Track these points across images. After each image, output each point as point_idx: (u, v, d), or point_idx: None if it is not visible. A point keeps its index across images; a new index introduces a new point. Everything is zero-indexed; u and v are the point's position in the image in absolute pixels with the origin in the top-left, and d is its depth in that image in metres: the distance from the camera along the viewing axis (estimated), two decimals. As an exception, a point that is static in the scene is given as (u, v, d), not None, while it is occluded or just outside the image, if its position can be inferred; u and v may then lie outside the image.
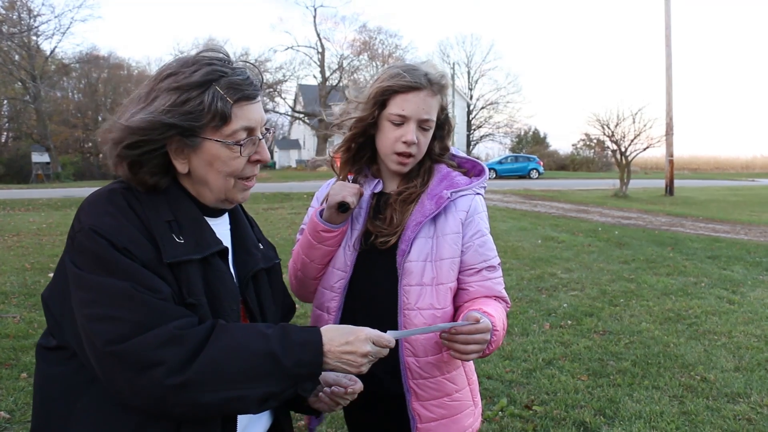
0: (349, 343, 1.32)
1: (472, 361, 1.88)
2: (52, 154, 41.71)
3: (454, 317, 1.79)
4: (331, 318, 1.83)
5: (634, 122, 23.18)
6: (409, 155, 1.78)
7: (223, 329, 1.26)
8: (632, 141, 23.39)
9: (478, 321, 1.57)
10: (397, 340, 1.63)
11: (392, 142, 1.78)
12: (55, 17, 38.86)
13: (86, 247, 1.24)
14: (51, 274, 7.59)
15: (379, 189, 1.86)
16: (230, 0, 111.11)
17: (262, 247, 1.60)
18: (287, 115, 56.12)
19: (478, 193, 1.85)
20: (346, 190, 1.77)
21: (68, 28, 41.80)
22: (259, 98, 1.41)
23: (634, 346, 5.22)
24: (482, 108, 57.26)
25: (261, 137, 1.42)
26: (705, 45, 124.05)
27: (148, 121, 1.29)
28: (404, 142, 1.76)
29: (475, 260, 1.80)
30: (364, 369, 1.36)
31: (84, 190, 24.06)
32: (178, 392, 1.18)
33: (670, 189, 24.04)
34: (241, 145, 1.37)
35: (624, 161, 23.59)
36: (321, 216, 1.82)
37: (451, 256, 1.77)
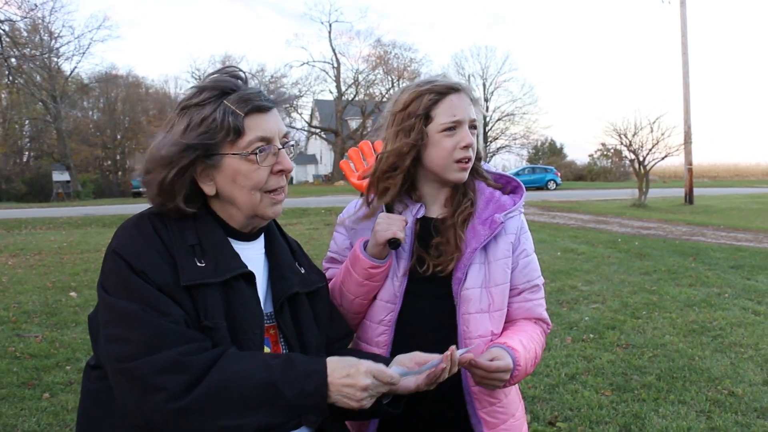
0: (349, 376, 1.28)
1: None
2: (72, 172, 42.25)
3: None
4: (382, 352, 1.76)
5: (651, 131, 23.05)
6: (469, 159, 1.73)
7: (229, 358, 1.26)
8: (650, 150, 23.23)
9: (498, 358, 1.55)
10: (458, 371, 1.58)
11: (450, 152, 1.70)
12: (75, 38, 39.34)
13: (109, 268, 1.31)
14: (72, 293, 7.70)
15: (421, 214, 1.79)
16: (246, 17, 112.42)
17: (303, 271, 1.58)
18: (304, 130, 56.44)
19: (521, 212, 1.81)
20: (395, 225, 1.69)
21: (87, 48, 42.25)
22: (274, 110, 1.42)
23: (658, 360, 5.15)
24: (498, 120, 57.14)
25: (281, 147, 1.42)
26: (722, 51, 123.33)
27: (172, 147, 1.34)
28: (464, 147, 1.70)
29: (519, 281, 1.76)
30: (366, 404, 1.31)
31: (104, 209, 24.32)
32: (177, 418, 1.20)
33: (689, 198, 23.80)
34: (257, 154, 1.37)
35: (642, 170, 23.41)
36: (365, 250, 1.73)
37: (504, 281, 1.72)
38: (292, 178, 55.63)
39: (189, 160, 1.35)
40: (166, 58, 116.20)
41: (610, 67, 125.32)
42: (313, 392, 1.26)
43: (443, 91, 1.71)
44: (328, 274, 1.89)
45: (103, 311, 1.28)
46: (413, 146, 1.72)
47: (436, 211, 1.80)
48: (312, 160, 61.46)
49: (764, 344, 5.49)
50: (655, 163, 24.12)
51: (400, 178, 1.77)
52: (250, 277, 1.41)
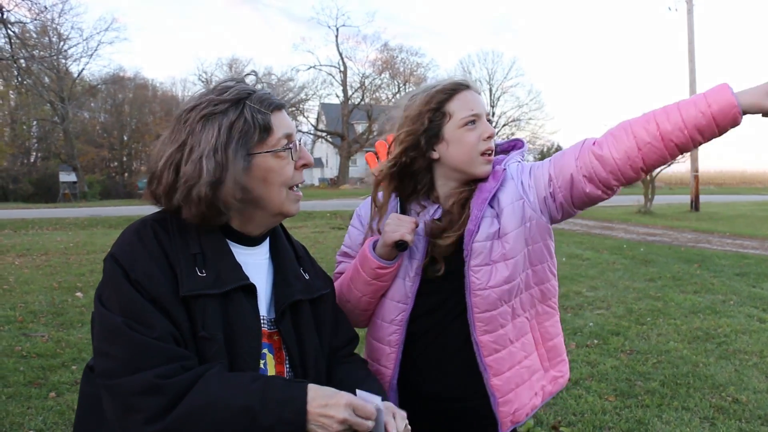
0: (328, 406, 1.24)
1: (542, 327, 1.85)
2: (78, 173, 42.43)
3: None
4: (393, 351, 1.79)
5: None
6: (492, 150, 1.74)
7: (208, 380, 1.24)
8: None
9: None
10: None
11: (474, 146, 1.72)
12: (84, 40, 39.52)
13: (106, 273, 1.32)
14: (79, 294, 7.72)
15: (438, 215, 1.77)
16: (254, 20, 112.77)
17: (308, 277, 1.57)
18: (310, 133, 56.55)
19: (519, 161, 1.82)
20: (403, 227, 1.68)
21: (95, 50, 42.37)
22: (284, 109, 1.46)
23: (662, 366, 5.14)
24: (504, 125, 57.06)
25: (299, 142, 1.46)
26: (729, 58, 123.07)
27: (220, 160, 1.33)
28: (487, 138, 1.72)
29: (550, 171, 1.70)
30: None
31: (110, 210, 24.40)
32: None
33: (695, 204, 23.74)
34: (289, 149, 1.40)
35: (648, 177, 23.34)
36: (374, 250, 1.74)
37: (518, 225, 1.70)
38: (297, 182, 55.60)
39: (236, 169, 1.35)
40: (174, 61, 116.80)
41: (617, 73, 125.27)
42: (292, 420, 1.22)
43: (453, 88, 1.74)
44: (339, 268, 1.92)
45: (96, 320, 1.30)
46: (419, 137, 1.73)
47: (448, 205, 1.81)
48: (318, 163, 61.53)
49: (769, 352, 5.48)
50: (662, 170, 24.06)
51: (408, 174, 1.79)
52: (250, 289, 1.40)
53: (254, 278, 1.43)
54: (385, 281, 1.75)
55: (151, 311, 1.26)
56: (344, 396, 1.26)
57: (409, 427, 1.37)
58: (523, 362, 1.78)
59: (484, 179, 1.76)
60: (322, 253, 11.06)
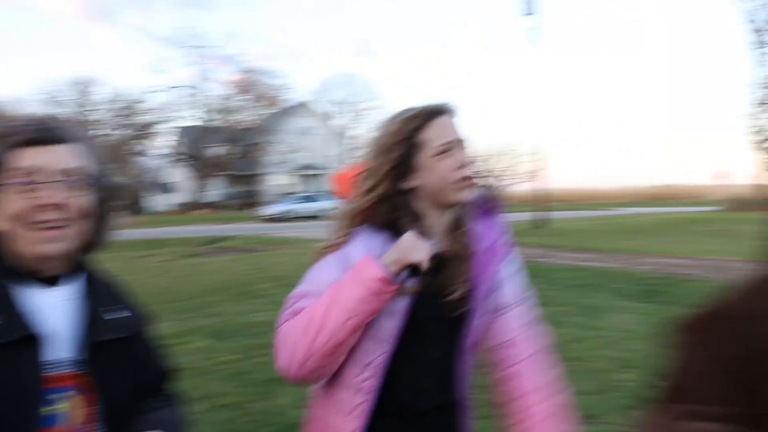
0: None
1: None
2: None
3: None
4: (367, 399, 1.59)
5: (506, 159, 24.30)
6: (467, 178, 1.64)
7: None
8: (503, 176, 24.43)
9: None
10: None
11: (445, 175, 1.62)
12: None
13: None
14: None
15: (436, 248, 1.61)
16: (109, 38, 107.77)
17: (120, 314, 1.48)
18: (165, 156, 54.56)
19: None
20: (424, 252, 1.52)
21: None
22: (49, 145, 1.38)
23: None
24: (360, 148, 57.95)
25: (49, 181, 1.34)
26: (577, 79, 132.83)
27: None
28: (459, 167, 1.62)
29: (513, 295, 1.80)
30: None
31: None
32: None
33: (542, 221, 25.20)
34: (3, 185, 1.33)
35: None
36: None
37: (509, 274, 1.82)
38: (149, 208, 53.28)
39: None
40: (23, 80, 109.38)
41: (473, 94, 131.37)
42: None
43: (428, 114, 1.65)
44: (296, 307, 1.61)
45: None
46: (391, 167, 1.63)
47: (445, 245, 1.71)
48: (173, 187, 59.37)
49: (596, 357, 5.89)
50: (506, 188, 25.41)
51: (378, 202, 1.65)
52: (31, 339, 1.30)
53: (54, 319, 1.35)
54: (381, 303, 1.52)
55: None
56: None
57: None
58: None
59: (467, 209, 1.73)
60: (169, 283, 10.56)
